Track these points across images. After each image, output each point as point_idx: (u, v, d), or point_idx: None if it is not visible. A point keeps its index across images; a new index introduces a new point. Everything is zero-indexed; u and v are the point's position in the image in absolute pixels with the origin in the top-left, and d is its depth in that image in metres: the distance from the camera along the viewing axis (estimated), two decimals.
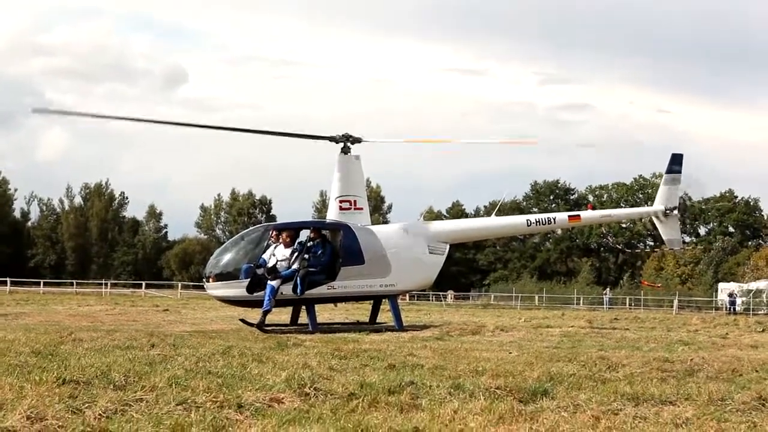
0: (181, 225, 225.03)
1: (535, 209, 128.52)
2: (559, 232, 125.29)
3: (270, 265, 25.25)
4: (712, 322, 39.52)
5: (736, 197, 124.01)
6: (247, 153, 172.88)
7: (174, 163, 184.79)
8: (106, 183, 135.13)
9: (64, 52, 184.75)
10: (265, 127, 28.50)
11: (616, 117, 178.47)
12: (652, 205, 33.22)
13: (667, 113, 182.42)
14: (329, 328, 26.89)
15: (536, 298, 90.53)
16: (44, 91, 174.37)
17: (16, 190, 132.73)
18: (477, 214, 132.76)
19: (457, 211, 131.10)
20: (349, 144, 27.34)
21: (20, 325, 26.02)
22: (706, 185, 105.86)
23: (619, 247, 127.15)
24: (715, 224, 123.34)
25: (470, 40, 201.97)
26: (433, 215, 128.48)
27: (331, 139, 27.35)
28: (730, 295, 78.13)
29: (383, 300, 28.27)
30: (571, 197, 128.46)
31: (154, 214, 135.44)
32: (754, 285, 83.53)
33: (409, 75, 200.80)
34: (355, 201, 27.12)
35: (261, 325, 25.07)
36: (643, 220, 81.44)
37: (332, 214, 27.30)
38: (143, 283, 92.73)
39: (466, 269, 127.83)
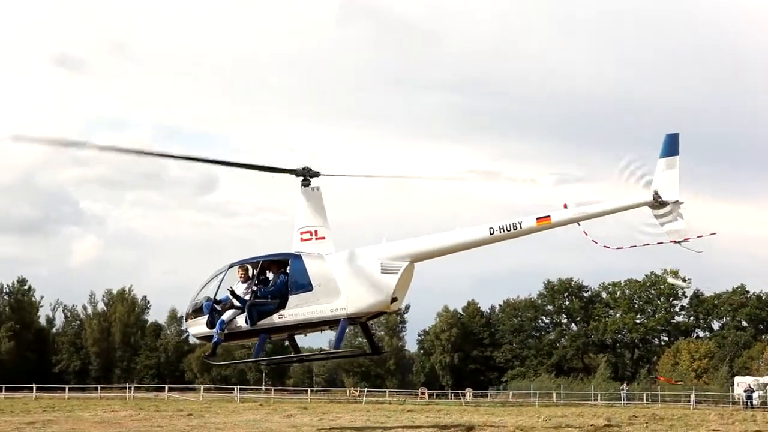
0: None
1: (550, 307, 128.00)
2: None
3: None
4: (731, 418, 39.01)
5: (748, 292, 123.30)
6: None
7: (196, 268, 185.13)
8: (129, 289, 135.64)
9: (99, 161, 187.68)
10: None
11: (630, 214, 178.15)
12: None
13: (683, 210, 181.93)
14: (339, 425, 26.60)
15: (554, 394, 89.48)
16: (78, 199, 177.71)
17: (42, 297, 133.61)
18: (492, 312, 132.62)
19: (472, 310, 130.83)
20: (309, 177, 27.27)
21: None
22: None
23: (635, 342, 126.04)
24: (728, 319, 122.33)
25: (488, 140, 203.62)
26: (449, 314, 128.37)
27: (292, 171, 27.36)
28: (747, 389, 77.15)
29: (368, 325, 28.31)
30: (585, 294, 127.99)
31: (175, 318, 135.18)
32: None
33: (429, 177, 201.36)
34: (315, 231, 26.98)
35: (207, 356, 26.14)
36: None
37: (295, 246, 27.17)
38: (166, 386, 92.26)
39: (484, 367, 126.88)
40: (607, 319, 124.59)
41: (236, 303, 25.96)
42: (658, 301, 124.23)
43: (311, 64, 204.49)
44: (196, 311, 26.82)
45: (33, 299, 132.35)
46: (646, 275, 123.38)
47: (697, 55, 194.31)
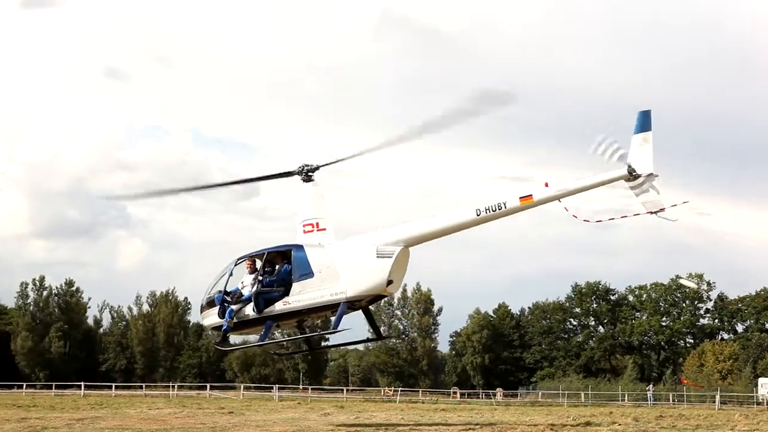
0: None
1: (578, 309, 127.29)
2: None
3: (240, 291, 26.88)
4: (755, 419, 38.55)
5: None
6: None
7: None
8: (173, 291, 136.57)
9: (144, 167, 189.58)
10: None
11: (657, 219, 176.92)
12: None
13: (707, 215, 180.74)
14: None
15: (582, 395, 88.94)
16: (125, 204, 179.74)
17: (90, 299, 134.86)
18: (522, 314, 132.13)
19: (503, 312, 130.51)
20: (308, 174, 27.91)
21: (96, 429, 26.08)
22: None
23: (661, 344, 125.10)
24: (751, 321, 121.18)
25: (516, 148, 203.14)
26: (480, 316, 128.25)
27: (291, 174, 28.01)
28: None
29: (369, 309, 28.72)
30: (612, 297, 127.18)
31: None
32: None
33: (457, 183, 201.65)
34: (317, 223, 27.76)
35: (218, 343, 26.90)
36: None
37: (298, 237, 27.85)
38: (208, 385, 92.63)
39: (514, 368, 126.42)
40: (633, 321, 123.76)
41: (244, 293, 26.74)
42: (684, 304, 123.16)
43: (347, 72, 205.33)
44: (209, 304, 27.53)
45: (81, 300, 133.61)
46: (672, 279, 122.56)
47: (730, 65, 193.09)
